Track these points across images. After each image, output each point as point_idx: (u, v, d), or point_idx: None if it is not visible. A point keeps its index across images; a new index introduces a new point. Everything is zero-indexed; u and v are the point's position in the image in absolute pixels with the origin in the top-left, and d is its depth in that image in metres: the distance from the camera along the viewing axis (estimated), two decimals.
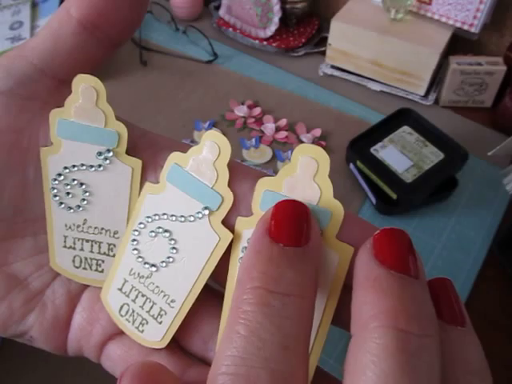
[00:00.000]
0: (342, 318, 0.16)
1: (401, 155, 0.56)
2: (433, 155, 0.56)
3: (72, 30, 0.17)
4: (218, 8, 0.80)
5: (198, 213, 0.17)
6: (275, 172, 0.58)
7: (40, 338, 0.19)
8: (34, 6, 0.74)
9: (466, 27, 0.64)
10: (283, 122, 0.64)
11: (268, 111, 0.66)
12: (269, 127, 0.63)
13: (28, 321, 0.19)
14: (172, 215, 0.18)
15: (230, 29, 0.78)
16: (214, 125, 0.64)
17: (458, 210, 0.55)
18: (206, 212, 0.17)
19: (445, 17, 0.65)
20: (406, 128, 0.59)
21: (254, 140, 0.61)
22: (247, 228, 0.17)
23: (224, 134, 0.62)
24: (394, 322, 0.12)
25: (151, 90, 0.68)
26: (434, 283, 0.15)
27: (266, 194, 0.16)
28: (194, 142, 0.61)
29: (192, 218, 0.17)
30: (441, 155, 0.55)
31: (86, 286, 0.20)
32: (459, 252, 0.51)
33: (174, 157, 0.18)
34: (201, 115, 0.65)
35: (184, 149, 0.18)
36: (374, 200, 0.54)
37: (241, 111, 0.65)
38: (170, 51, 0.74)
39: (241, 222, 0.17)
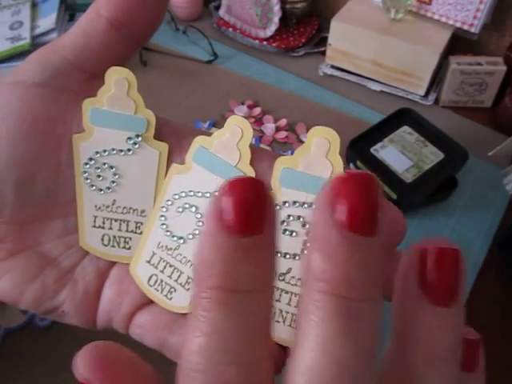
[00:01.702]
0: None
1: (401, 155, 0.56)
2: (433, 155, 0.56)
3: (101, 28, 0.19)
4: (218, 8, 0.80)
5: None
6: None
7: (72, 312, 0.20)
8: (34, 5, 0.74)
9: (465, 27, 0.64)
10: (283, 122, 0.64)
11: (268, 111, 0.66)
12: (269, 127, 0.63)
13: (60, 297, 0.20)
14: (198, 192, 0.19)
15: (230, 29, 0.78)
16: (213, 125, 0.64)
17: (458, 210, 0.55)
18: None
19: (445, 17, 0.65)
20: (406, 128, 0.59)
21: (254, 140, 0.61)
22: None
23: None
24: (334, 290, 0.13)
25: (151, 90, 0.68)
26: (429, 251, 0.14)
27: (284, 171, 0.18)
28: None
29: None
30: (441, 155, 0.55)
31: (113, 263, 0.21)
32: None
33: (200, 140, 0.19)
34: (201, 115, 0.65)
35: (206, 135, 0.19)
36: None
37: (241, 111, 0.65)
38: (170, 51, 0.74)
39: None
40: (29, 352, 0.42)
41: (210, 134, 0.19)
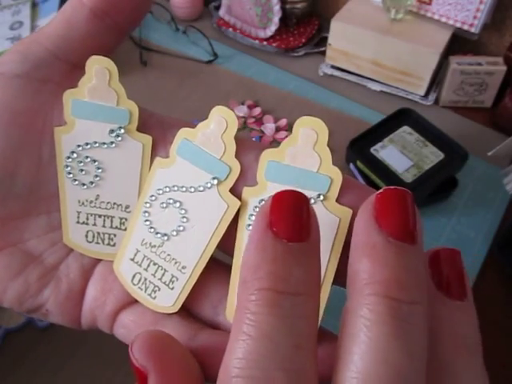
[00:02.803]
0: (342, 278, 0.17)
1: (401, 155, 0.56)
2: (433, 155, 0.56)
3: (84, 17, 0.19)
4: (218, 8, 0.80)
5: (207, 183, 0.18)
6: None
7: (55, 311, 0.20)
8: (34, 5, 0.74)
9: (466, 27, 0.64)
10: (283, 122, 0.64)
11: (268, 111, 0.66)
12: (269, 127, 0.63)
13: (44, 295, 0.20)
14: (182, 186, 0.19)
15: (230, 29, 0.78)
16: None
17: (458, 210, 0.55)
18: (215, 182, 0.18)
19: (445, 17, 0.65)
20: (405, 128, 0.59)
21: (254, 140, 0.61)
22: (253, 196, 0.18)
23: None
24: (386, 292, 0.13)
25: (151, 89, 0.68)
26: (441, 254, 0.15)
27: (270, 164, 0.17)
28: None
29: (201, 188, 0.18)
30: (441, 155, 0.55)
31: (98, 261, 0.21)
32: None
33: (184, 132, 0.19)
34: (201, 115, 0.64)
35: (191, 127, 0.19)
36: None
37: (241, 111, 0.65)
38: (170, 51, 0.74)
39: (247, 191, 0.18)
40: (29, 352, 0.42)
41: (194, 126, 0.19)
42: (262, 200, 0.18)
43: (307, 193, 0.17)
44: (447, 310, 0.15)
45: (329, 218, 0.17)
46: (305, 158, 0.17)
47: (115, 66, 0.19)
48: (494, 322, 0.46)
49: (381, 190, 0.14)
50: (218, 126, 0.18)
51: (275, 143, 0.62)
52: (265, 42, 0.75)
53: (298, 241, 0.14)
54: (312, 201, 0.17)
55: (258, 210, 0.16)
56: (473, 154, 0.56)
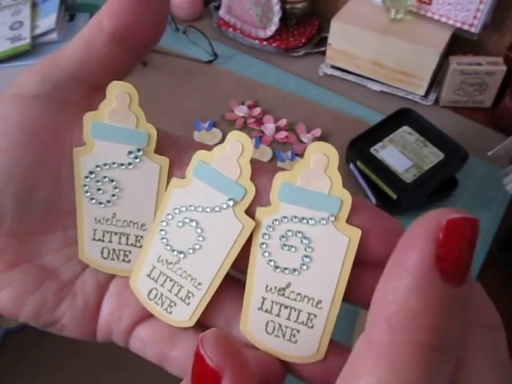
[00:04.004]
0: (351, 295, 0.18)
1: (401, 155, 0.56)
2: (433, 155, 0.56)
3: (103, 40, 0.19)
4: (218, 8, 0.80)
5: (223, 204, 0.19)
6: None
7: (71, 325, 0.20)
8: (34, 6, 0.74)
9: (466, 27, 0.64)
10: (283, 122, 0.64)
11: (268, 111, 0.66)
12: (269, 127, 0.63)
13: (60, 309, 0.20)
14: (198, 206, 0.19)
15: (230, 29, 0.78)
16: (214, 125, 0.64)
17: None
18: (231, 203, 0.19)
19: (445, 17, 0.65)
20: (406, 128, 0.59)
21: (254, 140, 0.61)
22: (266, 216, 0.18)
23: (224, 134, 0.62)
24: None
25: (151, 89, 0.68)
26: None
27: (283, 186, 0.18)
28: None
29: (217, 209, 0.19)
30: (441, 155, 0.55)
31: (113, 276, 0.21)
32: None
33: (200, 154, 0.19)
34: (201, 115, 0.65)
35: (205, 148, 0.19)
36: (374, 200, 0.54)
37: (241, 111, 0.65)
38: (170, 51, 0.74)
39: (261, 211, 0.19)
40: (29, 352, 0.42)
41: (210, 148, 0.19)
42: (275, 220, 0.18)
43: (319, 213, 0.18)
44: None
45: (339, 238, 0.18)
46: (316, 180, 0.18)
47: (136, 91, 0.19)
48: None
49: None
50: (235, 149, 0.19)
51: (275, 143, 0.62)
52: (265, 42, 0.75)
53: (463, 283, 0.12)
54: (323, 221, 0.18)
55: (413, 230, 0.12)
56: (473, 154, 0.56)
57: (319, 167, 0.18)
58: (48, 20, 0.71)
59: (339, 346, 0.19)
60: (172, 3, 0.79)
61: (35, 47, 0.68)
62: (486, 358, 0.13)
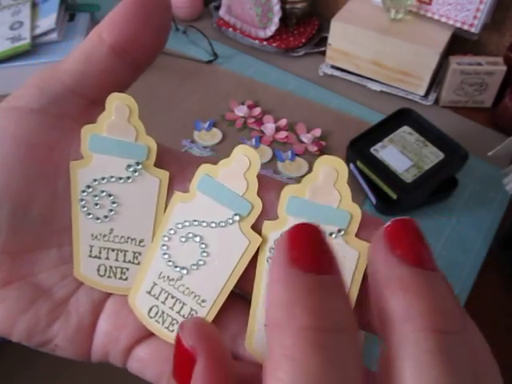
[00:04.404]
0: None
1: (401, 155, 0.56)
2: (433, 155, 0.56)
3: (103, 53, 0.19)
4: (218, 8, 0.80)
5: (229, 219, 0.18)
6: (275, 172, 0.58)
7: (64, 346, 0.19)
8: (34, 6, 0.74)
9: (466, 27, 0.64)
10: (283, 122, 0.64)
11: (268, 111, 0.66)
12: (269, 127, 0.63)
13: (53, 329, 0.19)
14: (203, 221, 0.19)
15: (230, 29, 0.78)
16: (214, 125, 0.64)
17: (458, 210, 0.55)
18: (237, 218, 0.18)
19: (445, 17, 0.65)
20: (406, 128, 0.59)
21: (254, 140, 0.61)
22: (273, 231, 0.18)
23: (224, 134, 0.62)
24: (431, 325, 0.12)
25: (151, 90, 0.68)
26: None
27: (292, 200, 0.18)
28: (194, 143, 0.61)
29: (223, 224, 0.19)
30: (441, 155, 0.55)
31: (108, 295, 0.20)
32: (459, 252, 0.51)
33: (204, 168, 0.19)
34: (201, 115, 0.65)
35: (209, 162, 0.19)
36: (374, 200, 0.54)
37: (241, 111, 0.65)
38: (170, 51, 0.74)
39: (267, 225, 0.18)
40: (29, 352, 0.42)
41: (214, 163, 0.19)
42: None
43: (328, 227, 0.17)
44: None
45: (349, 252, 0.17)
46: (325, 194, 0.17)
47: (135, 103, 0.19)
48: (494, 322, 0.46)
49: (389, 223, 0.14)
50: (241, 164, 0.18)
51: (275, 143, 0.62)
52: (265, 42, 0.75)
53: (328, 273, 0.13)
54: (333, 235, 0.17)
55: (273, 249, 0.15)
56: (473, 154, 0.56)
57: (328, 181, 0.17)
58: (48, 20, 0.71)
59: None
60: (172, 3, 0.79)
61: (35, 47, 0.68)
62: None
